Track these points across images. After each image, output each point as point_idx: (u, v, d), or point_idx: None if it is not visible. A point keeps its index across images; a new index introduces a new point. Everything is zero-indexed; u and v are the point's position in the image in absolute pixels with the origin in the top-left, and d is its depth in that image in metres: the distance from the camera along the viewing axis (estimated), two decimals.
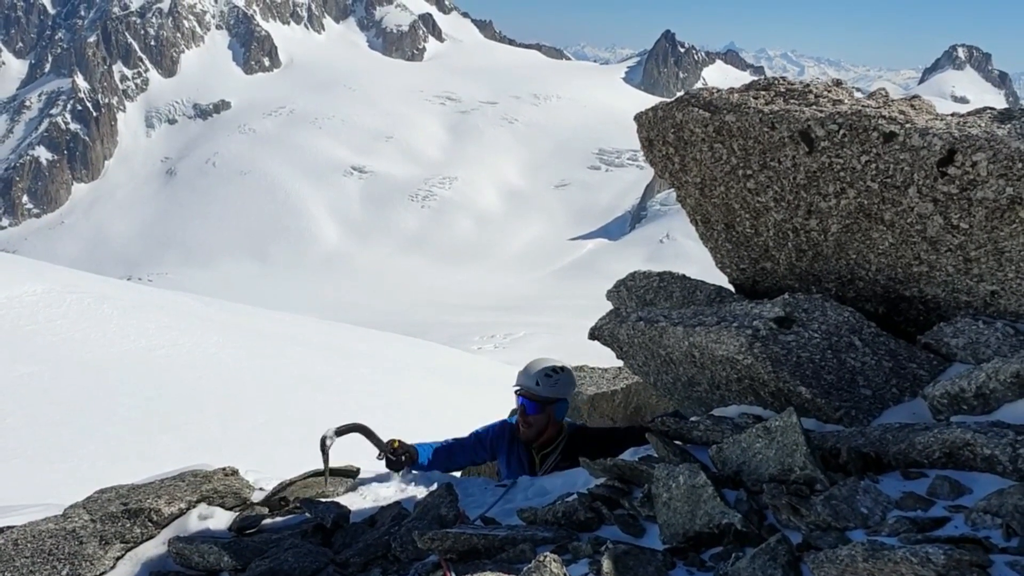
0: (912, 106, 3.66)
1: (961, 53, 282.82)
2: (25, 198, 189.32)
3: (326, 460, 4.02)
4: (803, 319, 3.58)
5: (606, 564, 2.40)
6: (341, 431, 4.17)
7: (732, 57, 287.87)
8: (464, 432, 4.90)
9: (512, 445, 4.66)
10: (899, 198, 3.52)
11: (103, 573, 3.49)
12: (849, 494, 2.44)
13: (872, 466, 2.72)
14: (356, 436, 4.32)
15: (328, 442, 4.04)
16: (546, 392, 4.42)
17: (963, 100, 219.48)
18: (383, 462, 4.47)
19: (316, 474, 4.22)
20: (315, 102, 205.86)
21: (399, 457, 4.38)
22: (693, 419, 3.43)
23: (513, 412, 4.83)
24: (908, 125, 3.44)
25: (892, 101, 3.75)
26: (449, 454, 4.68)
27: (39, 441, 12.17)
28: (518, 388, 4.51)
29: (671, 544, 2.62)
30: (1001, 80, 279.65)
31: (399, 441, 4.42)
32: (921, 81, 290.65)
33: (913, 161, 3.42)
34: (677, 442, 3.30)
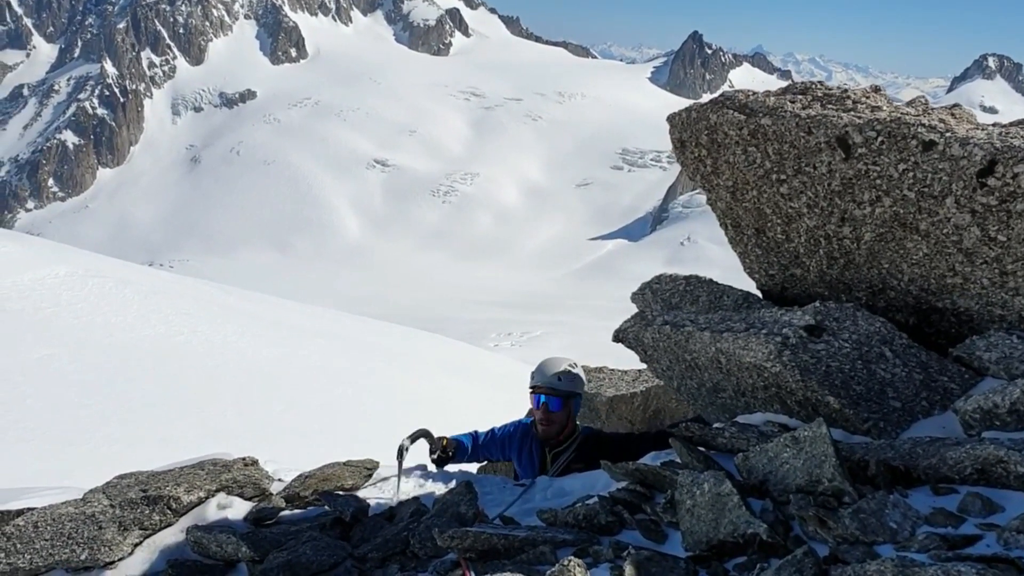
0: (952, 115, 3.59)
1: (991, 62, 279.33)
2: (51, 181, 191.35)
3: (400, 466, 4.20)
4: (834, 328, 3.52)
5: (628, 570, 2.38)
6: (414, 437, 4.45)
7: (760, 60, 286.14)
8: (475, 427, 5.03)
9: (523, 444, 4.73)
10: (936, 208, 3.45)
11: (121, 559, 3.50)
12: (878, 508, 2.39)
13: (901, 480, 2.67)
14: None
15: (405, 452, 4.24)
16: (567, 387, 4.51)
17: (992, 110, 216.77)
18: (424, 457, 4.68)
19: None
20: (340, 94, 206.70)
21: (448, 454, 4.66)
22: (717, 426, 3.39)
23: (530, 413, 4.85)
24: (948, 134, 3.37)
25: (932, 109, 3.69)
26: (483, 446, 4.91)
27: (59, 422, 12.28)
28: (536, 386, 4.55)
29: (694, 552, 2.58)
30: None
31: (447, 439, 4.71)
32: (950, 90, 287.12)
33: (952, 171, 3.35)
34: (700, 448, 3.26)
